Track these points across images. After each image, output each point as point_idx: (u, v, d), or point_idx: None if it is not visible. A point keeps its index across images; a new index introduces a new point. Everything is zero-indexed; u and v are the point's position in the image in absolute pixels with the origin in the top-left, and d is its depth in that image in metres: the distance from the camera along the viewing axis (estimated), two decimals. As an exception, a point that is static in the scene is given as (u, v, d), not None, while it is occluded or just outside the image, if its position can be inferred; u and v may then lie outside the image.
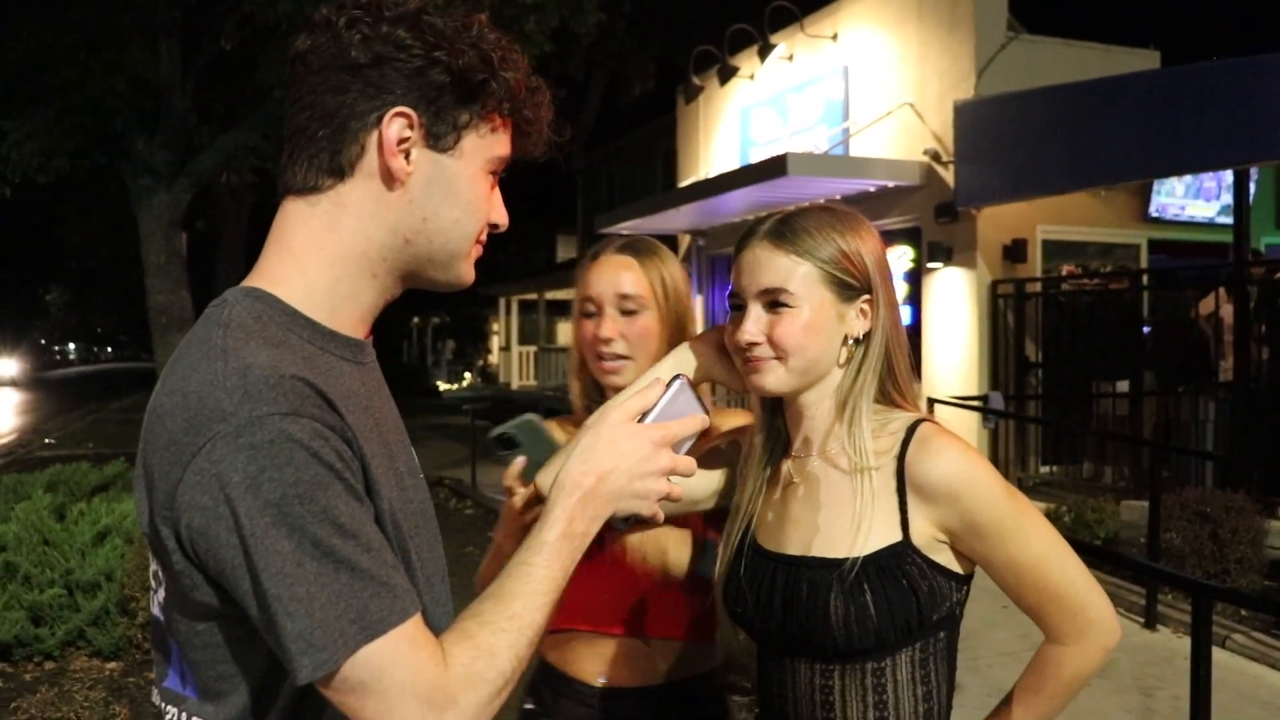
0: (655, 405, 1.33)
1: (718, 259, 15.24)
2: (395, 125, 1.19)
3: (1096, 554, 6.52)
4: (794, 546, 1.58)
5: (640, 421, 1.31)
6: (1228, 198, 10.48)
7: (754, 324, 1.55)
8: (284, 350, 1.15)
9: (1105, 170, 9.21)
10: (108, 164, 9.15)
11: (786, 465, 1.66)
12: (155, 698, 1.26)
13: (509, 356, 28.66)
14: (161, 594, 1.21)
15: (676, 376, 1.38)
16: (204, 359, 1.12)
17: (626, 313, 2.05)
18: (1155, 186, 10.97)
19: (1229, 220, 9.55)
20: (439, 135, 1.22)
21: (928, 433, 1.54)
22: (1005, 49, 10.13)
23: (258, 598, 1.05)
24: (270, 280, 1.22)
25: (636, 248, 2.11)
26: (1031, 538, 1.53)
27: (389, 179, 1.21)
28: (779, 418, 1.68)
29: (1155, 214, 11.16)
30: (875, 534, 1.51)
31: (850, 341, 1.58)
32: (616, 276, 2.07)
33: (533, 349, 27.67)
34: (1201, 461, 8.43)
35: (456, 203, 1.26)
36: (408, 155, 1.21)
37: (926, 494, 1.51)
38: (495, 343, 34.98)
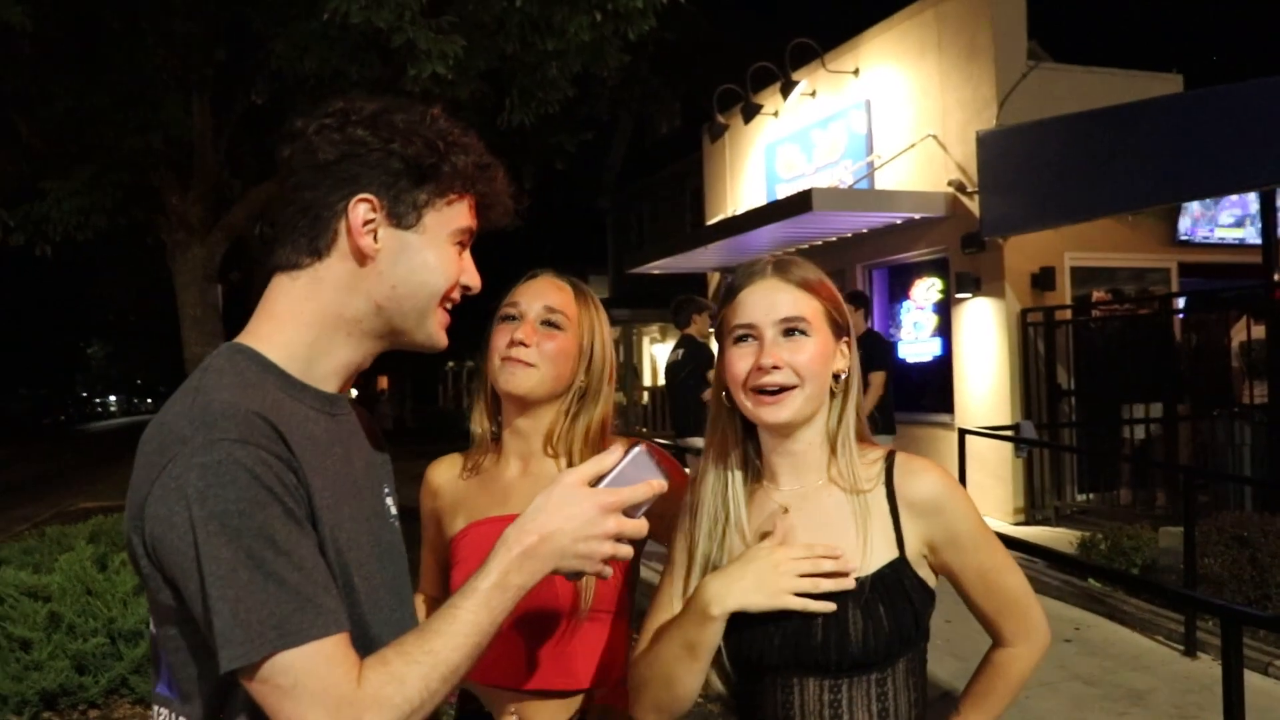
0: (611, 470, 1.42)
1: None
2: (360, 210, 1.37)
3: (1128, 583, 6.48)
4: None
5: (596, 485, 1.41)
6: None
7: (778, 349, 1.64)
8: (252, 392, 1.31)
9: (1130, 196, 9.17)
10: (144, 219, 9.36)
11: (765, 499, 1.73)
12: (153, 707, 1.39)
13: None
14: (149, 606, 1.36)
15: (636, 442, 1.47)
16: (182, 396, 1.31)
17: (547, 324, 2.06)
18: (1183, 209, 10.91)
19: (1259, 241, 9.50)
20: (400, 215, 1.39)
21: (906, 458, 1.70)
22: (1026, 78, 10.14)
23: (200, 597, 1.19)
24: (253, 339, 1.40)
25: (574, 281, 2.16)
26: (994, 548, 1.72)
27: (360, 256, 1.39)
28: (752, 452, 1.77)
29: (1184, 237, 11.10)
30: (878, 552, 1.64)
31: (837, 379, 1.71)
32: (547, 291, 2.10)
33: (567, 389, 27.62)
34: (1239, 486, 8.34)
35: (423, 271, 1.42)
36: (375, 235, 1.38)
37: (916, 510, 1.66)
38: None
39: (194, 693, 1.31)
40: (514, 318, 2.07)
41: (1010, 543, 4.49)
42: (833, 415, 1.71)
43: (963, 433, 8.98)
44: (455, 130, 1.45)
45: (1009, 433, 9.40)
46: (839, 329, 1.71)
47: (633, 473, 1.43)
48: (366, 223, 1.37)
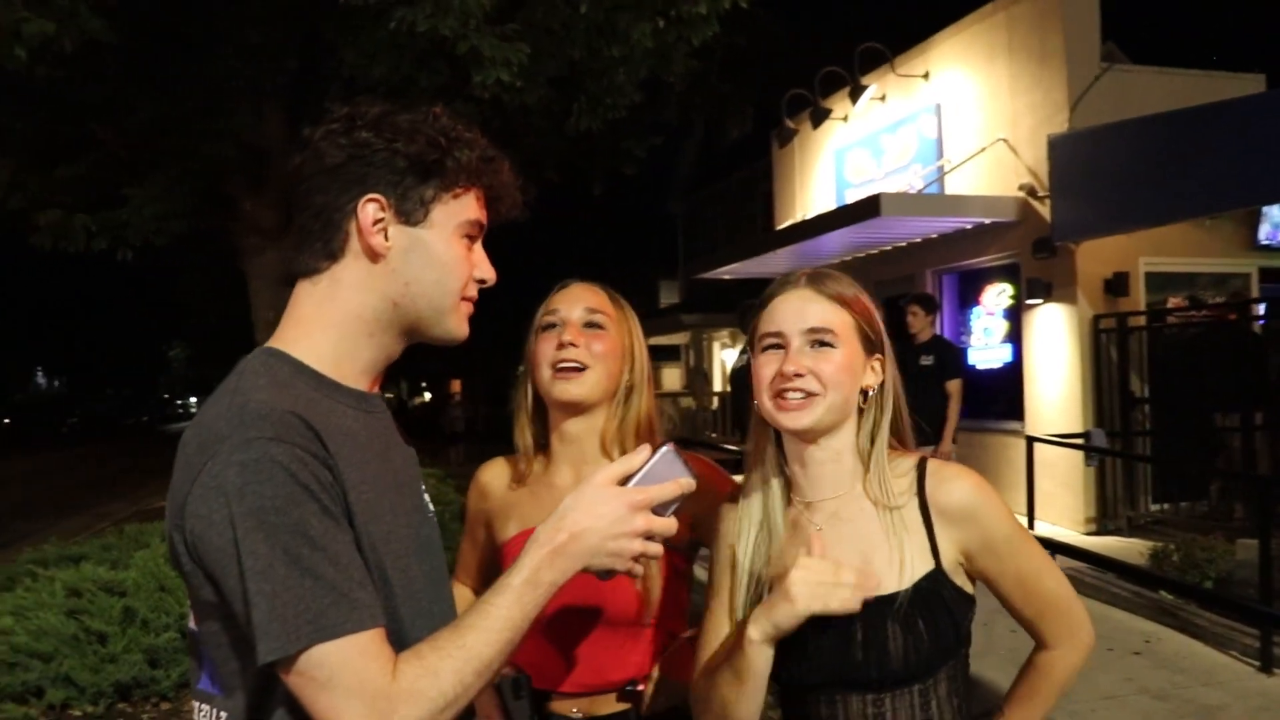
0: (640, 469, 1.44)
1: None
2: (369, 209, 1.41)
3: (1199, 597, 6.32)
4: None
5: (625, 485, 1.43)
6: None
7: (803, 357, 1.65)
8: (285, 392, 1.34)
9: (1209, 199, 8.94)
10: (219, 225, 9.60)
11: (796, 513, 1.74)
12: (194, 703, 1.42)
13: (612, 402, 28.70)
14: (189, 603, 1.39)
15: (666, 442, 1.49)
16: (220, 398, 1.35)
17: (591, 325, 2.07)
18: (1263, 213, 10.62)
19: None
20: (408, 212, 1.43)
21: (938, 466, 1.69)
22: (1099, 80, 9.96)
23: (240, 592, 1.23)
24: (283, 342, 1.45)
25: (605, 287, 2.16)
26: (1032, 552, 1.71)
27: (372, 255, 1.42)
28: (783, 465, 1.76)
29: (1265, 241, 10.80)
30: (914, 565, 1.64)
31: (866, 394, 1.70)
32: (584, 295, 2.11)
33: (635, 394, 27.66)
34: (1320, 497, 8.09)
35: (434, 266, 1.45)
36: (385, 233, 1.42)
37: (950, 518, 1.65)
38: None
39: (236, 687, 1.34)
40: (555, 325, 2.07)
41: (1078, 554, 4.44)
42: (864, 432, 1.71)
43: (1030, 440, 8.84)
44: (458, 126, 1.48)
45: (1079, 441, 9.23)
46: (871, 344, 1.71)
47: (661, 472, 1.45)
48: (376, 222, 1.41)
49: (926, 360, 8.60)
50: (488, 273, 1.53)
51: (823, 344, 1.66)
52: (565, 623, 2.01)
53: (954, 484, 1.66)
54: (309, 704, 1.25)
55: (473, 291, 1.52)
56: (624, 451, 2.03)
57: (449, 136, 1.45)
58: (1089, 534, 9.62)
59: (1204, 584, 6.77)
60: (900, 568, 1.63)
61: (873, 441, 1.70)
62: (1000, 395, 11.10)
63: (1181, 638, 6.53)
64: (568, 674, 2.02)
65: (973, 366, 11.36)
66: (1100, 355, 9.97)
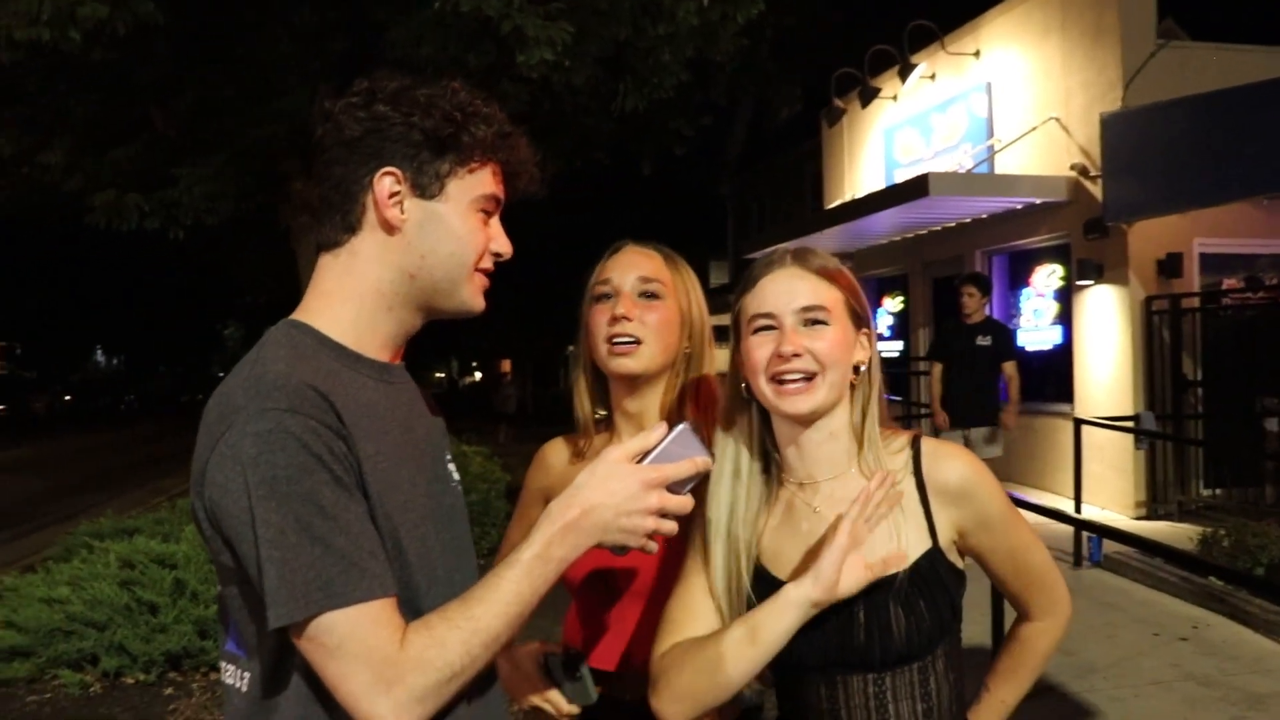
0: (655, 447, 1.44)
1: (865, 281, 15.04)
2: (385, 182, 1.43)
3: (1247, 583, 6.22)
4: None
5: (640, 462, 1.42)
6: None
7: (798, 336, 1.62)
8: (306, 364, 1.37)
9: (1266, 177, 8.74)
10: (269, 204, 9.71)
11: (789, 493, 1.71)
12: (222, 664, 1.46)
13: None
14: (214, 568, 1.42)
15: (682, 420, 1.47)
16: (241, 368, 1.38)
17: (645, 295, 1.99)
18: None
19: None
20: (424, 185, 1.44)
21: (933, 445, 1.69)
22: (1154, 57, 9.77)
23: (254, 558, 1.26)
24: (307, 315, 1.47)
25: (660, 247, 2.08)
26: (1021, 528, 1.71)
27: (388, 227, 1.44)
28: (770, 445, 1.73)
29: (1326, 222, 10.55)
30: (912, 545, 1.62)
31: (857, 370, 1.68)
32: (637, 261, 2.03)
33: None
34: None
35: (449, 238, 1.46)
36: (401, 206, 1.43)
37: (947, 496, 1.64)
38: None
39: (257, 650, 1.37)
40: (609, 295, 2.01)
41: (1125, 537, 4.40)
42: (855, 408, 1.68)
43: (1078, 422, 8.72)
44: (476, 101, 1.48)
45: (1127, 424, 9.10)
46: (859, 319, 1.68)
47: (677, 450, 1.44)
48: (392, 195, 1.43)
49: (983, 340, 8.56)
50: (504, 246, 1.54)
51: (816, 322, 1.63)
52: (613, 601, 2.00)
53: (951, 462, 1.66)
54: (318, 669, 1.28)
55: (488, 264, 1.52)
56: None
57: (465, 111, 1.46)
58: (1138, 518, 9.50)
59: (1255, 570, 6.66)
60: (898, 547, 1.61)
61: (864, 418, 1.68)
62: (1049, 377, 10.98)
63: (1230, 624, 6.45)
64: (618, 652, 2.00)
65: (1022, 348, 11.22)
66: (1152, 337, 9.81)
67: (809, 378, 1.61)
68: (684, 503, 1.43)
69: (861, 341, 1.69)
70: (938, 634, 1.61)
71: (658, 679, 1.65)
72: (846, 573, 1.52)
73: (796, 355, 1.61)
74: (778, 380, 1.62)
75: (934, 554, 1.63)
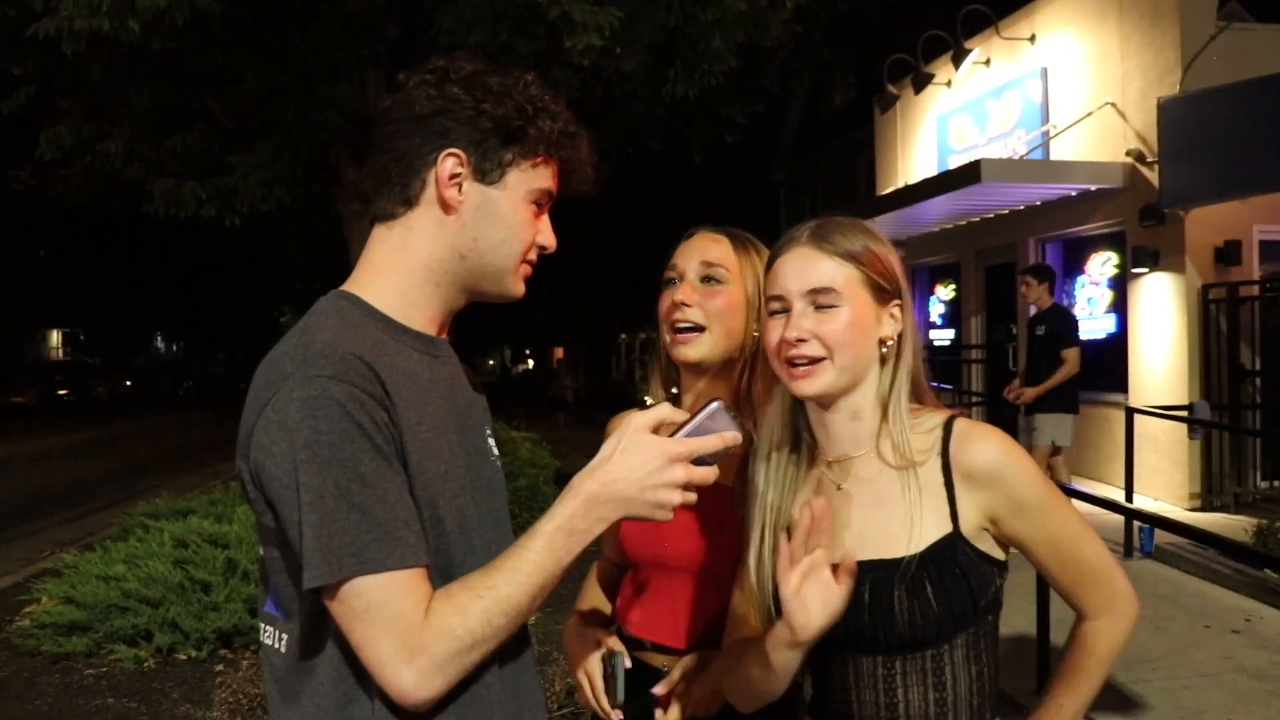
0: (689, 422, 1.45)
1: (917, 269, 14.97)
2: (448, 163, 1.46)
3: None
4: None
5: (672, 436, 1.43)
6: None
7: (804, 320, 1.60)
8: (353, 333, 1.40)
9: (1329, 164, 8.57)
10: (322, 191, 9.82)
11: (819, 472, 1.70)
12: (261, 625, 1.50)
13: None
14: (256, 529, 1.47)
15: (716, 399, 1.48)
16: (290, 337, 1.42)
17: (708, 280, 1.97)
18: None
19: None
20: (485, 171, 1.48)
21: (966, 425, 1.63)
22: (1215, 40, 9.56)
23: (295, 522, 1.30)
24: (356, 286, 1.51)
25: (732, 232, 2.05)
26: (1068, 516, 1.62)
27: (445, 207, 1.48)
28: (802, 424, 1.72)
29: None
30: (928, 528, 1.58)
31: (884, 345, 1.64)
32: (703, 246, 2.01)
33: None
34: None
35: (501, 226, 1.50)
36: (460, 187, 1.47)
37: (974, 480, 1.58)
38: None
39: (295, 612, 1.41)
40: (673, 281, 2.00)
41: (1177, 527, 4.34)
42: (884, 381, 1.64)
43: (1130, 411, 8.61)
44: (546, 97, 1.51)
45: (1183, 414, 8.96)
46: (884, 293, 1.63)
47: (709, 426, 1.45)
48: (453, 176, 1.47)
49: (1039, 330, 8.51)
50: (549, 240, 1.57)
51: (826, 304, 1.60)
52: (673, 581, 1.99)
53: (980, 445, 1.59)
54: (347, 632, 1.32)
55: (533, 255, 1.56)
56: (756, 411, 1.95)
57: (536, 105, 1.49)
58: (1192, 509, 9.36)
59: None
60: (911, 531, 1.58)
61: (891, 392, 1.64)
62: (1103, 366, 10.82)
63: (1285, 616, 6.35)
64: (661, 626, 2.00)
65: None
66: (1209, 326, 9.64)
67: (815, 361, 1.59)
68: (709, 473, 1.43)
69: (892, 314, 1.64)
70: (949, 622, 1.56)
71: (721, 677, 1.75)
72: (812, 603, 1.46)
73: (801, 340, 1.59)
74: (789, 363, 1.61)
75: (953, 540, 1.57)
